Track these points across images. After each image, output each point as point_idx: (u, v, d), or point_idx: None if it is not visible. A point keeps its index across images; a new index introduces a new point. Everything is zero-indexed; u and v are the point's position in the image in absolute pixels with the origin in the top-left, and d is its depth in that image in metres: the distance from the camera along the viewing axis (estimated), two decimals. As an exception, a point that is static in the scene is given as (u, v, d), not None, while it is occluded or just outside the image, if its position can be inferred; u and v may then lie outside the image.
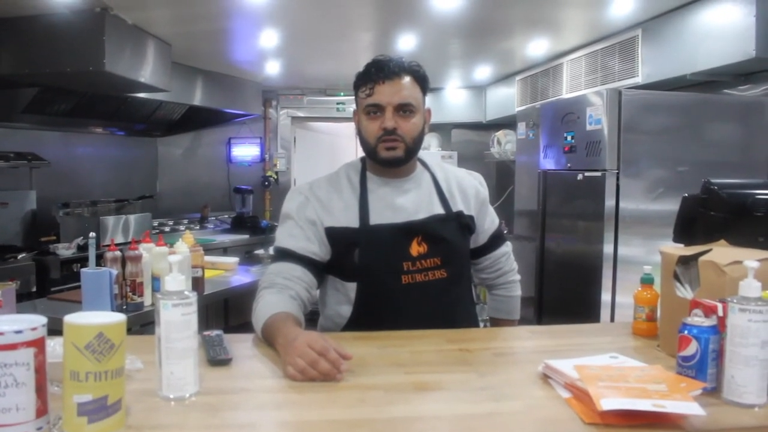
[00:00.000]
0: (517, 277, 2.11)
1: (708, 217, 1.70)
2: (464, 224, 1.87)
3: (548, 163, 4.06)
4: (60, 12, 3.81)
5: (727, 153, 3.46)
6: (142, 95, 5.02)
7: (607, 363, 1.38)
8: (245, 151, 7.09)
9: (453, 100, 6.90)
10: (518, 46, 4.98)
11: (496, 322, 2.11)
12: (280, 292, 1.68)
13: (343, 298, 1.81)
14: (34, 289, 4.04)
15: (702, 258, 1.45)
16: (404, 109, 1.75)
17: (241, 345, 1.58)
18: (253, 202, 6.69)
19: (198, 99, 5.79)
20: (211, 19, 4.13)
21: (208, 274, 3.49)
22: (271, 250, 1.99)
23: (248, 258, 4.72)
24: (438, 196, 1.86)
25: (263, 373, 1.41)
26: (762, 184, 1.76)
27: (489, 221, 1.99)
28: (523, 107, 5.55)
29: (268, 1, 3.68)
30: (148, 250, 2.73)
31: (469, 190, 1.92)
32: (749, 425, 1.16)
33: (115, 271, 2.56)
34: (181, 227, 5.94)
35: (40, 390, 1.04)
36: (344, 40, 4.81)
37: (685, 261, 1.53)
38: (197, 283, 3.02)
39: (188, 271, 2.88)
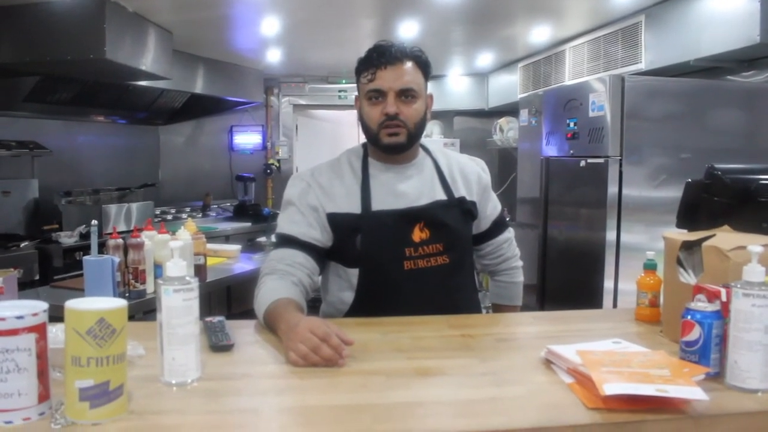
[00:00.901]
0: (520, 263, 2.11)
1: (712, 203, 1.69)
2: (466, 210, 1.86)
3: (551, 150, 4.05)
4: (60, 0, 3.79)
5: (730, 139, 3.45)
6: (143, 83, 5.01)
7: (609, 348, 1.37)
8: (247, 139, 7.08)
9: (455, 87, 6.87)
10: (520, 33, 4.95)
11: (498, 309, 2.11)
12: (282, 278, 1.68)
13: (345, 284, 1.81)
14: (37, 277, 4.05)
15: (705, 243, 1.45)
16: (406, 95, 1.74)
17: (242, 331, 1.58)
18: (255, 189, 6.69)
19: (199, 87, 5.78)
20: (212, 7, 4.11)
21: (211, 261, 3.49)
22: (273, 238, 1.99)
23: (250, 246, 4.72)
24: (440, 181, 1.85)
25: (265, 359, 1.41)
26: (766, 169, 1.75)
27: (491, 207, 1.98)
28: (526, 94, 5.53)
29: (269, -12, 3.67)
30: (150, 238, 2.73)
31: (471, 176, 1.91)
32: (752, 410, 1.16)
33: (117, 259, 2.56)
34: (184, 215, 5.94)
35: (42, 375, 1.05)
36: (346, 28, 4.78)
37: (689, 246, 1.52)
38: (199, 271, 3.02)
39: (190, 258, 2.88)
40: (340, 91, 7.06)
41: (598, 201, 3.47)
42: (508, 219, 2.13)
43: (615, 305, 3.38)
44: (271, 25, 4.60)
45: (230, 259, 3.93)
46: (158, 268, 2.73)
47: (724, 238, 1.46)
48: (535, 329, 1.80)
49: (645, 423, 1.09)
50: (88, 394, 1.03)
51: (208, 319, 1.56)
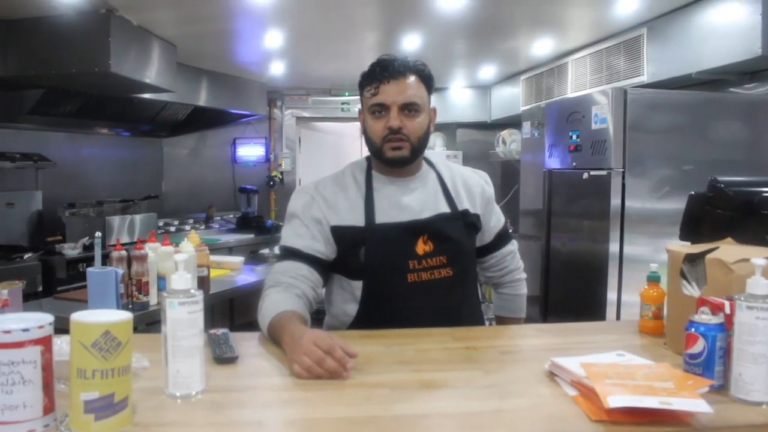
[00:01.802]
0: (524, 275, 2.11)
1: (715, 215, 1.70)
2: (470, 223, 1.87)
3: (553, 163, 4.05)
4: (65, 13, 3.82)
5: (733, 152, 3.45)
6: (147, 96, 5.03)
7: (613, 361, 1.37)
8: (250, 151, 7.10)
9: (458, 99, 6.90)
10: (523, 46, 4.97)
11: (501, 321, 2.11)
12: (285, 290, 1.68)
13: (349, 296, 1.81)
14: (41, 289, 4.06)
15: (709, 256, 1.45)
16: (409, 108, 1.75)
17: (246, 343, 1.59)
18: (258, 201, 6.70)
19: (203, 99, 5.80)
20: (216, 20, 4.13)
21: (214, 273, 3.49)
22: (276, 250, 1.99)
23: (253, 257, 4.72)
24: (444, 194, 1.86)
25: (269, 371, 1.41)
26: (768, 181, 1.76)
27: (495, 220, 1.98)
28: (528, 107, 5.55)
29: (272, 2, 3.69)
30: (153, 250, 2.74)
31: (474, 189, 1.92)
32: (757, 422, 1.15)
33: (120, 271, 2.57)
34: (187, 227, 5.95)
35: (47, 387, 1.05)
36: (349, 41, 4.81)
37: (692, 259, 1.52)
38: (203, 283, 3.02)
39: (194, 270, 2.88)
40: (342, 103, 7.08)
41: (600, 213, 3.47)
42: (511, 231, 2.13)
43: (618, 317, 3.37)
44: (274, 38, 4.62)
45: (233, 271, 3.94)
46: (161, 279, 2.74)
47: (728, 250, 1.46)
48: (538, 341, 1.80)
49: (649, 436, 1.09)
50: (93, 406, 1.03)
51: (213, 331, 1.56)
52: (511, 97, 6.22)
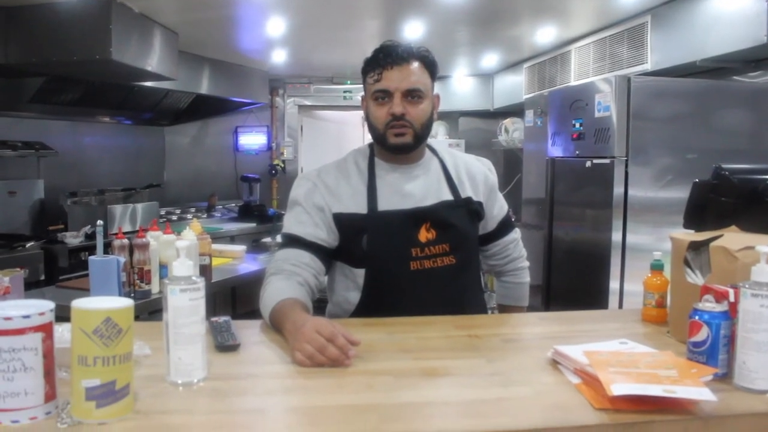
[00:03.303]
0: (526, 263, 2.10)
1: (719, 203, 1.69)
2: (473, 210, 1.86)
3: (556, 151, 4.04)
4: (66, 0, 3.80)
5: (737, 140, 3.44)
6: (149, 84, 5.02)
7: (617, 349, 1.37)
8: (252, 139, 7.09)
9: (460, 88, 6.87)
10: (526, 34, 4.94)
11: (504, 309, 2.10)
12: (288, 278, 1.68)
13: (351, 284, 1.81)
14: (43, 278, 4.06)
15: (713, 244, 1.44)
16: (412, 95, 1.74)
17: (248, 331, 1.58)
18: (260, 190, 6.71)
19: (205, 88, 5.79)
20: (218, 7, 4.11)
21: (216, 262, 3.49)
22: (278, 238, 1.98)
23: (255, 246, 4.72)
24: (447, 182, 1.85)
25: (271, 359, 1.41)
26: (773, 169, 1.75)
27: (498, 207, 1.98)
28: (531, 95, 5.51)
29: (274, -12, 3.67)
30: (155, 238, 2.74)
31: (478, 177, 1.91)
32: (761, 411, 1.15)
33: (122, 259, 2.56)
34: (189, 216, 5.94)
35: (49, 375, 1.05)
36: (351, 28, 4.78)
37: (696, 247, 1.52)
38: (205, 271, 3.01)
39: (196, 258, 2.88)
40: (344, 91, 7.05)
41: (603, 201, 3.47)
42: (513, 220, 2.12)
43: (621, 306, 3.37)
44: (276, 26, 4.60)
45: (235, 260, 3.94)
46: (163, 268, 2.74)
47: (732, 238, 1.45)
48: (541, 329, 1.80)
49: (653, 423, 1.09)
50: (94, 393, 1.03)
51: (214, 319, 1.56)
52: (514, 86, 6.20)
